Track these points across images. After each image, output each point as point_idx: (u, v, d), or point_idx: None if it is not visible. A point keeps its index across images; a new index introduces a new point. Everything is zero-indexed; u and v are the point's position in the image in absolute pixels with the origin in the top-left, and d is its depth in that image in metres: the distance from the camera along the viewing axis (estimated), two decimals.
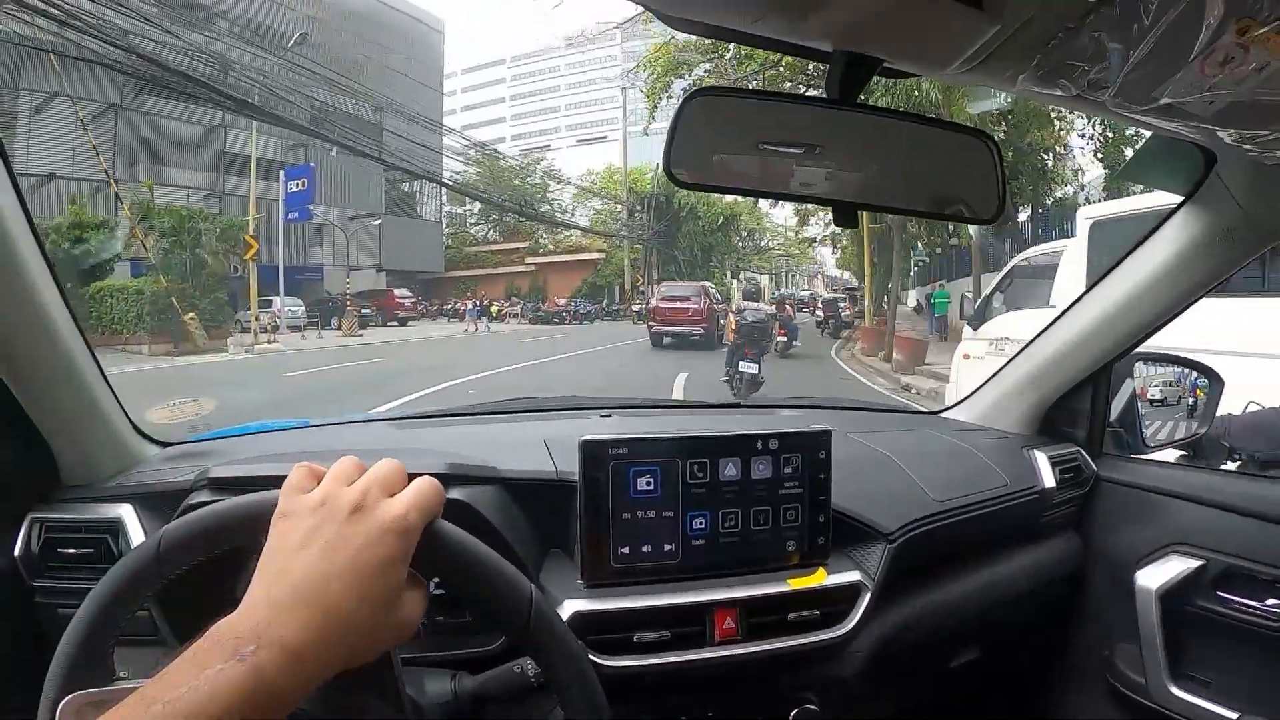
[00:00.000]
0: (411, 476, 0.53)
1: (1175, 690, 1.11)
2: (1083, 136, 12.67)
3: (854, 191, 0.72)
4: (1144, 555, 1.18)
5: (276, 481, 0.52)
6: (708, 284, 20.87)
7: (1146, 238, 1.14)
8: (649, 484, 0.87)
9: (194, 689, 0.39)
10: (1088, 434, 1.34)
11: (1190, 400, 1.43)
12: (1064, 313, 1.29)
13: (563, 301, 33.74)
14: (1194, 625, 1.12)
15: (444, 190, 36.16)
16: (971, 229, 11.87)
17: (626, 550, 0.87)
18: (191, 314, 15.46)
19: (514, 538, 0.86)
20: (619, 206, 38.17)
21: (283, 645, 0.42)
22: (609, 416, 1.33)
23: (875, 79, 0.66)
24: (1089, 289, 1.24)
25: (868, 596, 0.94)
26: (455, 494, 0.84)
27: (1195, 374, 1.42)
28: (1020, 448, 1.29)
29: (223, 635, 0.43)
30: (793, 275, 53.38)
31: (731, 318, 9.19)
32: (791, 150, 0.68)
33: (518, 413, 1.42)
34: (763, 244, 47.65)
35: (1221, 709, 1.05)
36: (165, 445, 1.09)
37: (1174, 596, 1.13)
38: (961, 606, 1.11)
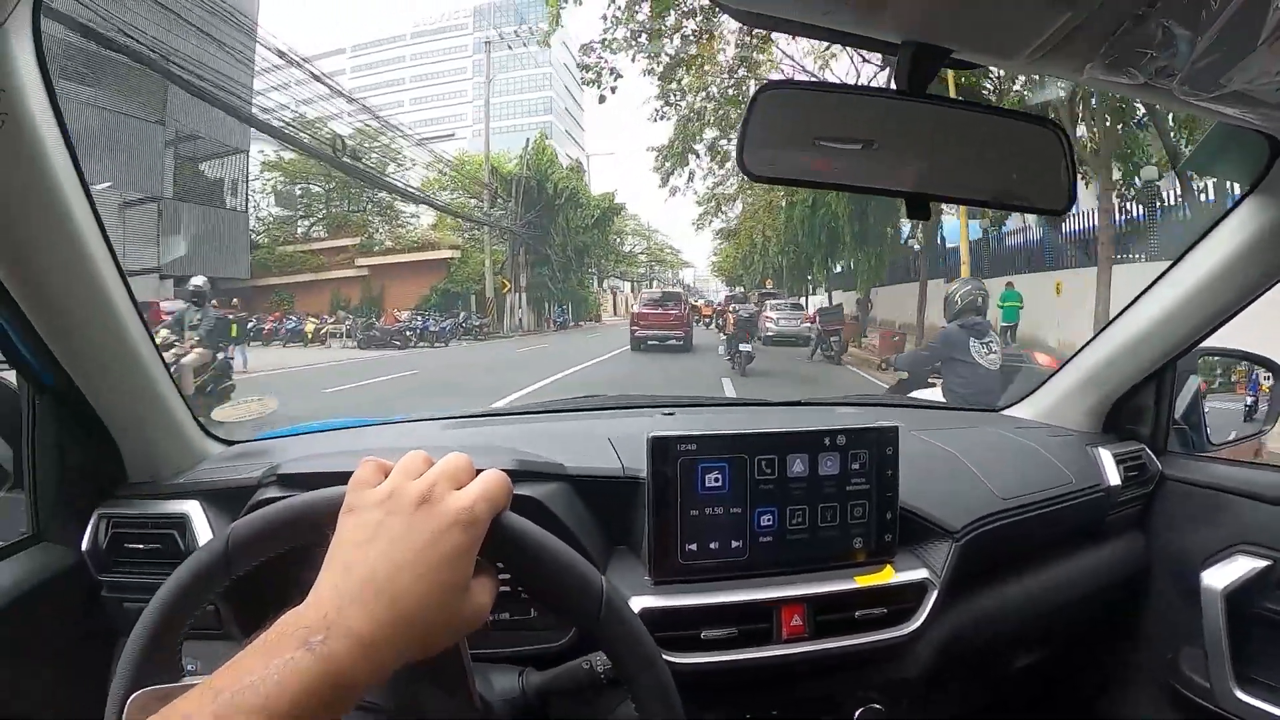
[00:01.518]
0: (478, 472, 0.53)
1: (1241, 695, 1.07)
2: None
3: (925, 182, 0.72)
4: (1210, 555, 1.15)
5: (344, 477, 0.52)
6: (681, 291, 22.61)
7: (1210, 229, 1.11)
8: (717, 480, 0.87)
9: (263, 679, 0.39)
10: (1152, 431, 1.31)
11: (1253, 396, 1.39)
12: (1127, 308, 1.26)
13: (404, 315, 24.39)
14: (1261, 627, 1.09)
15: (249, 166, 24.41)
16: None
17: (694, 547, 0.87)
18: None
19: (582, 534, 0.86)
20: (475, 200, 29.71)
21: (352, 634, 0.43)
22: (672, 414, 1.32)
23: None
24: (1153, 283, 1.21)
25: (934, 594, 0.93)
26: (523, 490, 0.84)
27: (1260, 369, 1.38)
28: (1084, 445, 1.27)
29: (291, 626, 0.43)
30: (652, 283, 48.64)
31: (730, 316, 12.77)
32: (861, 142, 0.69)
33: (581, 410, 1.43)
34: (625, 249, 43.88)
35: None
36: (230, 443, 1.11)
37: (1240, 597, 1.10)
38: (1026, 607, 1.09)
